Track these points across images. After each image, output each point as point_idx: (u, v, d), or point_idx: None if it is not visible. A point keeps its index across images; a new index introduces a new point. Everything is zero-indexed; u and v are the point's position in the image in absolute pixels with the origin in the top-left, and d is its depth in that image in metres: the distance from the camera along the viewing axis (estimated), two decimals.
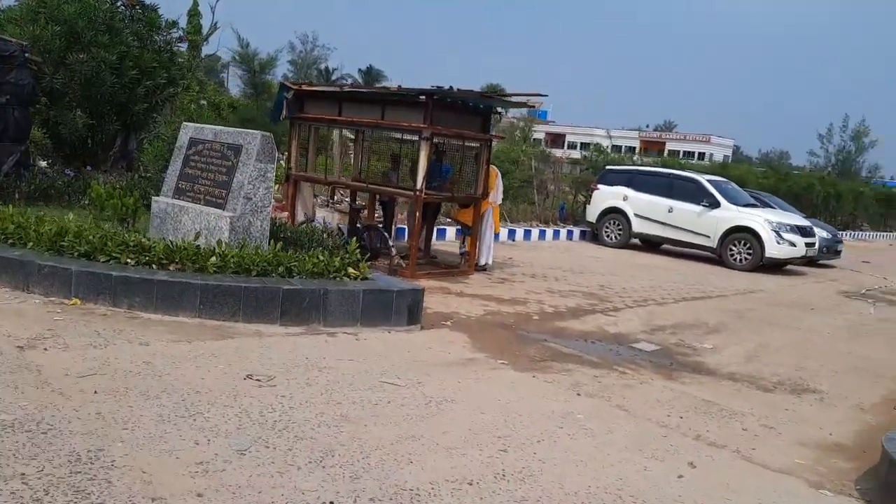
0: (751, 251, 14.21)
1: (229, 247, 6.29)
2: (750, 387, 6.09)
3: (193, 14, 28.62)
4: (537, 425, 4.47)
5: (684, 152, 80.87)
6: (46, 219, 6.55)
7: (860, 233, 32.94)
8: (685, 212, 15.05)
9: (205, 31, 27.18)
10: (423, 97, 9.09)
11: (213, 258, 6.09)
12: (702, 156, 78.46)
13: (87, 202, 8.68)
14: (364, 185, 10.13)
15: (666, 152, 75.55)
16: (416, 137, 9.61)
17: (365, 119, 9.84)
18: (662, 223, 15.38)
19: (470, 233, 10.73)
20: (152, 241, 6.23)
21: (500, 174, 10.80)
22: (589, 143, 61.41)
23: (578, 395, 5.26)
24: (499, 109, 10.20)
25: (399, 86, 9.22)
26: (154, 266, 6.04)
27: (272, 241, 6.59)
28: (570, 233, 17.09)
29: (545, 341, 6.82)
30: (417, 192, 9.21)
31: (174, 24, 12.22)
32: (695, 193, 15.12)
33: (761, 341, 7.92)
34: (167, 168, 9.63)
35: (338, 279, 6.42)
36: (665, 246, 16.03)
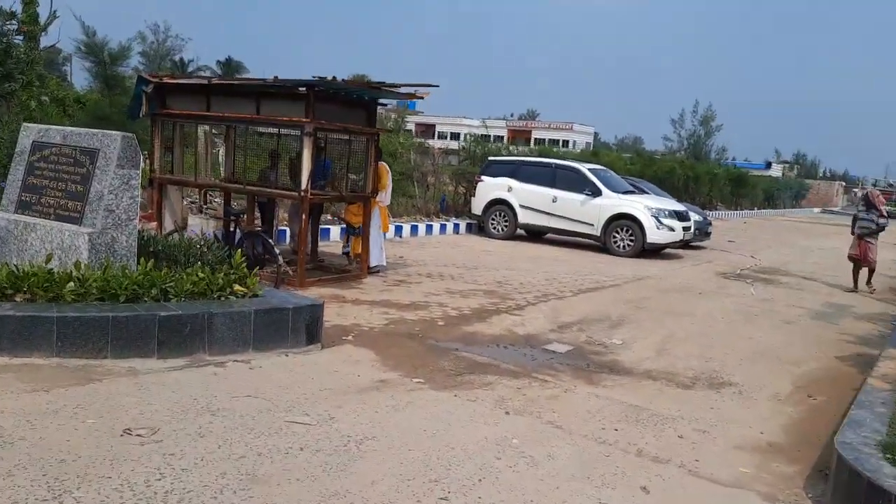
0: (633, 238, 14.44)
1: (90, 269, 5.34)
2: (670, 385, 5.90)
3: (29, 2, 25.86)
4: (473, 459, 3.97)
5: (549, 140, 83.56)
6: None
7: (716, 212, 35.02)
8: (569, 201, 15.09)
9: (42, 19, 24.60)
10: (304, 89, 8.34)
11: (71, 284, 5.14)
12: (566, 143, 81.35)
13: None
14: (240, 186, 9.23)
15: (532, 141, 77.57)
16: (295, 132, 8.88)
17: (238, 114, 8.95)
18: (547, 213, 15.35)
19: (357, 233, 10.11)
20: None
21: (389, 171, 10.20)
22: (459, 133, 61.87)
23: (507, 413, 4.82)
24: (383, 101, 9.59)
25: (276, 77, 8.40)
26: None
27: (141, 259, 5.68)
28: (456, 226, 16.77)
29: (457, 350, 6.35)
30: (303, 193, 8.46)
31: (12, 14, 10.67)
32: (577, 182, 15.19)
33: (665, 333, 7.84)
34: (4, 178, 8.34)
35: (223, 299, 5.63)
36: (549, 235, 16.05)
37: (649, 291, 10.45)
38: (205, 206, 9.35)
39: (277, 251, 7.98)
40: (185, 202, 10.20)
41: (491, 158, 17.47)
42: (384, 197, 10.04)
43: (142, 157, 5.83)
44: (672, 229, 14.56)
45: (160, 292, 5.40)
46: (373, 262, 9.97)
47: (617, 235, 14.63)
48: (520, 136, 79.81)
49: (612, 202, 14.74)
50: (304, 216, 8.62)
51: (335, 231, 12.91)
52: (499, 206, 16.03)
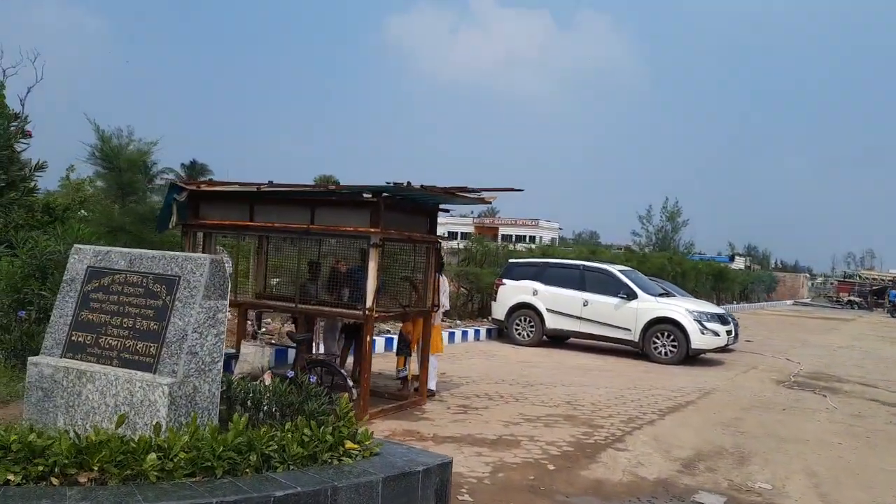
0: (675, 343, 13.54)
1: (173, 432, 4.13)
2: None
3: None
4: None
5: (517, 236, 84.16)
6: None
7: None
8: (601, 305, 14.22)
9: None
10: (370, 196, 7.41)
11: (153, 456, 3.92)
12: (532, 238, 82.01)
13: None
14: (291, 305, 8.09)
15: (500, 237, 77.73)
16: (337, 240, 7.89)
17: (289, 224, 7.93)
18: (578, 317, 14.43)
19: (409, 353, 8.99)
20: (44, 437, 3.93)
21: (446, 283, 9.21)
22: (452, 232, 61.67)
23: None
24: (445, 207, 8.71)
25: (338, 184, 7.49)
26: (55, 480, 3.75)
27: (234, 415, 4.49)
28: (476, 332, 15.69)
29: None
30: (367, 311, 7.38)
31: (16, 116, 9.64)
32: (609, 285, 14.38)
33: (801, 468, 6.79)
34: (22, 300, 7.07)
35: (335, 461, 4.43)
36: (573, 340, 15.09)
37: (733, 410, 9.42)
38: (258, 332, 8.14)
39: (351, 382, 6.80)
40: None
41: (512, 261, 16.65)
42: (438, 314, 9.00)
43: (230, 284, 4.73)
44: (717, 334, 13.72)
45: (261, 459, 4.20)
46: (431, 386, 8.83)
47: (657, 341, 13.72)
48: (487, 233, 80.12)
49: (649, 305, 13.91)
50: (367, 337, 7.50)
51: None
52: (524, 310, 15.08)
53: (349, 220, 7.65)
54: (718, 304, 37.25)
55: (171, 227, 8.60)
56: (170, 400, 4.28)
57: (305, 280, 9.37)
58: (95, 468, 3.83)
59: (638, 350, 13.96)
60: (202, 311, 4.46)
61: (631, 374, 12.01)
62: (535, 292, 14.98)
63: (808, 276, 79.40)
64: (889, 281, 59.69)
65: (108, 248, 4.89)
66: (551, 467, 6.24)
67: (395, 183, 7.07)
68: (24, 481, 3.71)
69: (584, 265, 15.38)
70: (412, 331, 8.81)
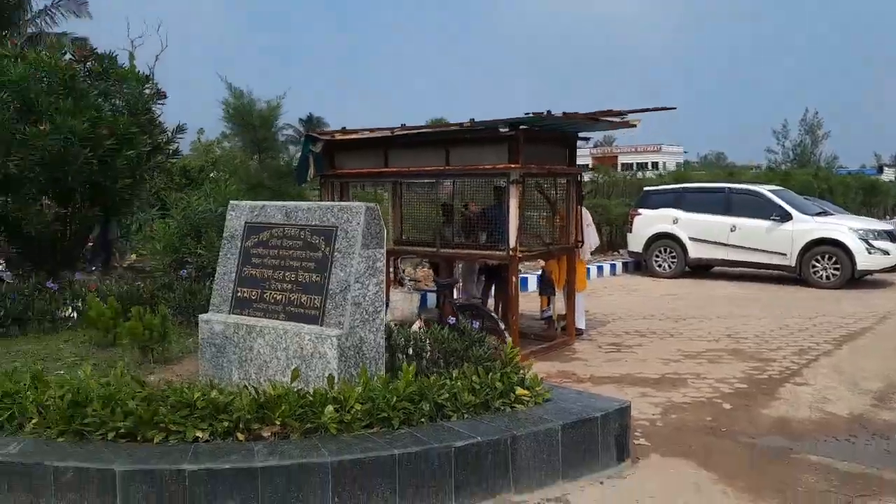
0: (838, 266, 12.44)
1: (346, 383, 4.06)
2: None
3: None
4: None
5: (637, 164, 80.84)
6: (51, 379, 4.22)
7: None
8: (751, 229, 13.25)
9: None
10: (508, 129, 7.05)
11: (330, 408, 3.86)
12: (654, 165, 78.43)
13: (83, 324, 6.33)
14: (432, 249, 7.95)
15: (619, 166, 75.17)
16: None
17: (424, 167, 7.73)
18: (724, 244, 13.55)
19: (553, 292, 8.68)
20: (226, 393, 3.96)
21: (589, 217, 8.77)
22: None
23: None
24: (585, 135, 8.21)
25: (472, 120, 7.16)
26: (240, 436, 3.77)
27: (403, 364, 4.39)
28: (612, 266, 15.14)
29: (792, 452, 4.75)
30: (511, 252, 7.12)
31: (147, 78, 9.92)
32: (759, 207, 13.36)
33: None
34: (181, 259, 7.35)
35: (507, 409, 4.24)
36: (717, 269, 14.23)
37: None
38: (406, 278, 8.11)
39: (502, 325, 6.60)
40: None
41: (647, 189, 15.85)
42: (584, 249, 8.58)
43: (386, 232, 4.58)
44: (886, 252, 12.47)
45: (434, 408, 4.07)
46: (579, 325, 8.52)
47: (817, 264, 12.66)
48: (606, 163, 77.56)
49: (806, 227, 12.82)
50: (513, 278, 7.26)
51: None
52: (663, 240, 14.33)
53: (486, 157, 7.34)
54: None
55: (308, 179, 8.65)
56: (339, 352, 4.21)
57: (440, 224, 9.20)
58: (278, 422, 3.81)
59: (794, 275, 12.97)
60: (362, 260, 4.33)
61: (790, 301, 11.16)
62: (675, 220, 14.18)
63: None
64: None
65: (264, 203, 4.85)
66: (727, 406, 5.81)
67: (533, 113, 6.66)
68: (211, 437, 3.75)
69: (729, 187, 14.36)
70: (554, 269, 8.48)
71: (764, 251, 13.14)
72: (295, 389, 3.99)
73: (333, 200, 8.43)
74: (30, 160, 8.09)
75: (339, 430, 3.83)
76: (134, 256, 11.77)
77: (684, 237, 14.05)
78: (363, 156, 8.28)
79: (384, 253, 4.55)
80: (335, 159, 8.50)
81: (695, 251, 13.94)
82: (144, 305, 5.79)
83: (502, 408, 4.21)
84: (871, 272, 12.61)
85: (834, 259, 12.50)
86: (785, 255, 12.94)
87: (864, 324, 9.23)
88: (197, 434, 3.75)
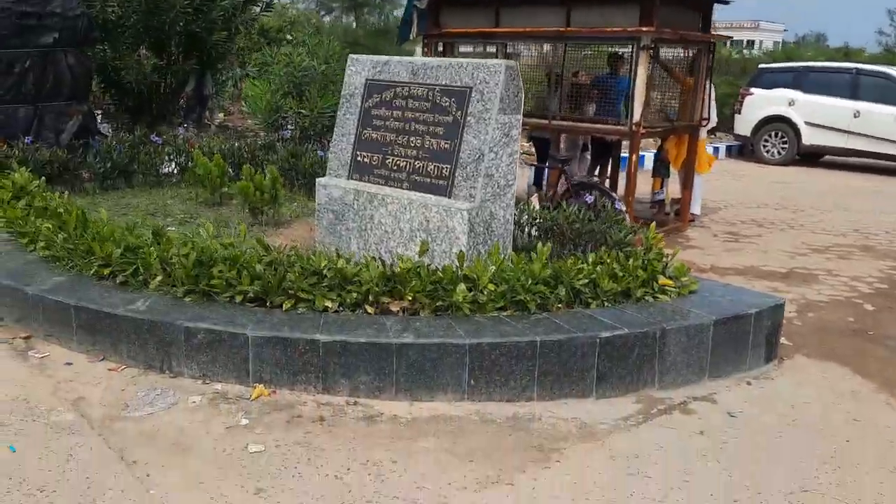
0: None
1: (478, 262, 3.77)
2: None
3: None
4: None
5: (733, 41, 75.34)
6: (174, 236, 4.05)
7: None
8: (880, 116, 12.07)
9: None
10: None
11: (462, 287, 3.59)
12: (751, 43, 73.04)
13: (188, 179, 6.19)
14: (545, 121, 7.41)
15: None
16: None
17: (541, 28, 7.06)
18: (845, 132, 12.44)
19: (667, 174, 8.11)
20: (353, 264, 3.73)
21: (713, 92, 7.99)
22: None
23: None
24: None
25: None
26: (369, 309, 3.57)
27: (538, 243, 4.06)
28: (716, 149, 14.20)
29: None
30: (634, 127, 6.54)
31: None
32: (891, 92, 12.10)
33: None
34: (280, 120, 7.07)
35: (648, 299, 3.90)
36: (829, 158, 13.18)
37: None
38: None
39: (623, 206, 6.15)
40: None
41: (762, 66, 14.56)
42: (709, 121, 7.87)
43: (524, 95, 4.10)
44: None
45: (570, 294, 3.75)
46: (694, 210, 7.99)
47: None
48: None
49: None
50: (633, 157, 6.73)
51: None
52: (775, 123, 13.27)
53: (613, 18, 6.62)
54: None
55: (411, 37, 8.09)
56: (469, 227, 3.89)
57: (545, 94, 8.56)
58: (409, 298, 3.57)
59: None
60: (497, 127, 3.92)
61: None
62: (791, 103, 13.04)
63: None
64: None
65: (387, 58, 4.41)
66: (869, 307, 5.33)
67: None
68: (340, 308, 3.55)
69: (857, 68, 13.02)
70: (671, 148, 7.84)
71: (891, 141, 12.02)
72: (426, 265, 3.73)
73: None
74: (127, 6, 7.78)
75: (472, 311, 3.57)
76: (222, 115, 11.61)
77: (800, 121, 12.95)
78: (471, 14, 7.63)
79: (520, 120, 4.11)
80: (440, 17, 7.87)
81: (810, 137, 12.89)
82: (256, 166, 5.56)
83: (645, 298, 3.87)
84: None
85: None
86: None
87: None
88: (326, 304, 3.56)
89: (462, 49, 8.24)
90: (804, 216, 8.61)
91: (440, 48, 8.02)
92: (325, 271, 3.62)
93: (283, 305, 3.56)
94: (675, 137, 7.75)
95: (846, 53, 25.20)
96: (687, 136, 7.59)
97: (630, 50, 6.79)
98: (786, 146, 13.20)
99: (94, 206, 5.69)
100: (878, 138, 12.13)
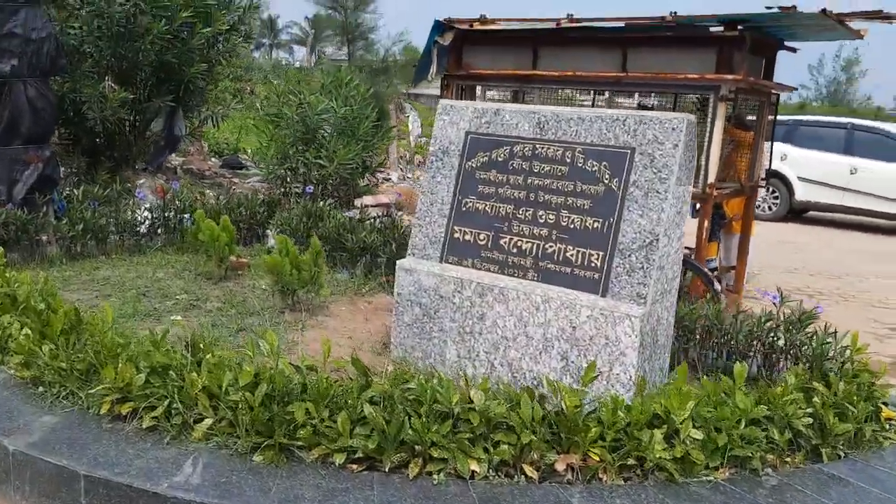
0: None
1: (673, 393, 2.68)
2: None
3: None
4: None
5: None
6: (224, 354, 2.81)
7: None
8: (878, 173, 11.76)
9: None
10: (720, 27, 5.47)
11: (657, 434, 2.50)
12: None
13: (180, 242, 4.92)
14: None
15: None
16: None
17: (595, 73, 6.14)
18: (841, 188, 12.07)
19: (719, 239, 7.28)
20: (489, 394, 2.59)
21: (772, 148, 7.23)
22: None
23: None
24: (793, 45, 6.59)
25: (674, 13, 5.56)
26: (530, 470, 2.43)
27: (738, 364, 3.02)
28: (692, 206, 13.64)
29: None
30: (707, 188, 5.66)
31: None
32: (887, 149, 11.82)
33: None
34: (287, 171, 5.81)
35: (879, 440, 2.90)
36: (814, 214, 12.82)
37: None
38: None
39: (718, 285, 5.21)
40: None
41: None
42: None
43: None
44: None
45: (791, 439, 2.71)
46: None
47: None
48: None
49: None
50: (705, 223, 5.84)
51: None
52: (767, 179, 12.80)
53: (682, 63, 5.76)
54: None
55: (430, 78, 7.07)
56: (640, 338, 2.81)
57: None
58: (578, 454, 2.46)
59: None
60: (674, 202, 2.88)
61: None
62: (783, 157, 12.63)
63: None
64: None
65: (498, 106, 3.34)
66: None
67: (779, 8, 5.06)
68: (488, 472, 2.41)
69: (852, 123, 12.76)
70: (730, 212, 7.03)
71: (891, 199, 11.68)
72: (598, 398, 2.63)
73: None
74: (92, 30, 6.49)
75: (680, 473, 2.48)
76: (182, 157, 10.26)
77: (792, 176, 12.55)
78: (503, 53, 6.66)
79: (690, 190, 3.10)
80: (464, 55, 6.88)
81: (803, 193, 12.48)
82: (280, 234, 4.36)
83: (877, 439, 2.87)
84: None
85: None
86: None
87: None
88: (472, 466, 2.40)
89: (488, 94, 7.26)
90: (846, 284, 7.94)
91: (461, 93, 7.03)
92: (467, 416, 2.47)
93: (410, 469, 2.38)
94: (735, 199, 6.94)
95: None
96: (745, 198, 6.79)
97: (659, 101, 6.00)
98: (777, 201, 12.78)
99: (64, 282, 4.34)
100: (878, 196, 11.79)
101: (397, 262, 3.45)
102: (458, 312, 3.26)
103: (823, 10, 5.11)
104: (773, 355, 3.41)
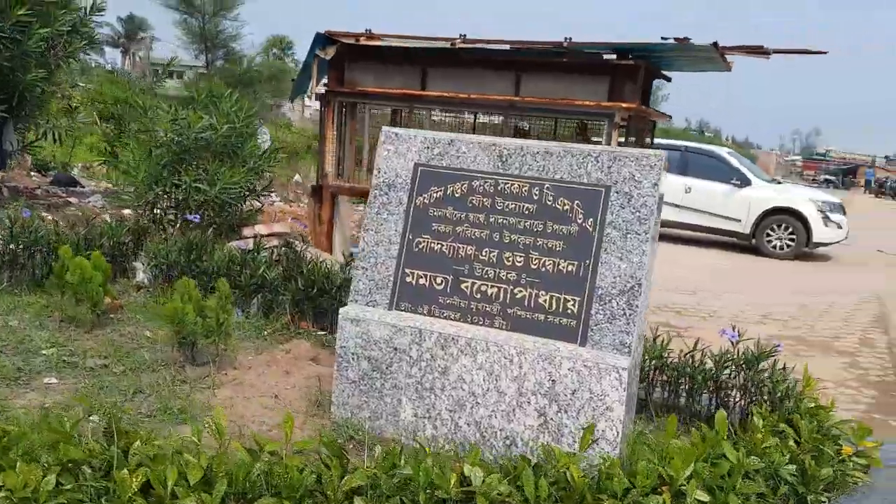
0: (793, 236, 12.25)
1: (633, 439, 2.51)
2: None
3: None
4: None
5: None
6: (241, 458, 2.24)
7: None
8: (707, 193, 12.73)
9: None
10: (613, 55, 5.56)
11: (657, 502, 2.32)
12: None
13: (51, 284, 4.12)
14: None
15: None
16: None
17: (487, 96, 6.01)
18: (677, 206, 12.94)
19: None
20: (485, 467, 2.27)
21: None
22: None
23: None
24: (667, 74, 6.82)
25: (568, 39, 5.56)
26: None
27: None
28: None
29: None
30: None
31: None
32: (717, 170, 12.84)
33: None
34: (157, 196, 5.01)
35: (843, 479, 2.92)
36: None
37: None
38: None
39: None
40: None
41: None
42: None
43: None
44: (840, 226, 12.45)
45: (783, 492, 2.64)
46: None
47: (772, 233, 12.41)
48: None
49: (765, 194, 12.50)
50: None
51: None
52: None
53: (576, 89, 5.79)
54: None
55: (309, 94, 6.60)
56: (627, 391, 2.63)
57: None
58: None
59: (747, 243, 12.68)
60: (653, 244, 2.75)
61: (762, 271, 10.73)
62: None
63: (778, 153, 79.16)
64: (862, 161, 60.22)
65: (452, 136, 3.04)
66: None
67: (674, 39, 5.19)
68: None
69: (686, 146, 13.75)
70: None
71: (718, 216, 12.69)
72: (575, 456, 2.39)
73: (332, 125, 6.49)
74: None
75: None
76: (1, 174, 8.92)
77: None
78: (390, 71, 6.37)
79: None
80: (346, 72, 6.50)
81: None
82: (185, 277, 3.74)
83: (844, 478, 2.88)
84: (824, 244, 12.58)
85: (789, 229, 12.30)
86: (739, 221, 12.58)
87: (851, 298, 8.87)
88: None
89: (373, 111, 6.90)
90: (703, 300, 8.40)
91: (348, 108, 6.63)
92: (456, 493, 2.13)
93: None
94: None
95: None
96: None
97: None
98: None
99: None
100: (707, 213, 12.74)
101: (340, 310, 3.03)
102: (416, 367, 2.90)
103: (714, 44, 5.33)
104: (725, 392, 3.37)
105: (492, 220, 2.92)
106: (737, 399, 3.35)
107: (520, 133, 7.32)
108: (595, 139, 7.36)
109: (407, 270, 3.01)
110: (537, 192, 2.88)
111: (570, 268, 2.80)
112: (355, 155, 6.88)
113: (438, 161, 3.03)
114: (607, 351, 2.70)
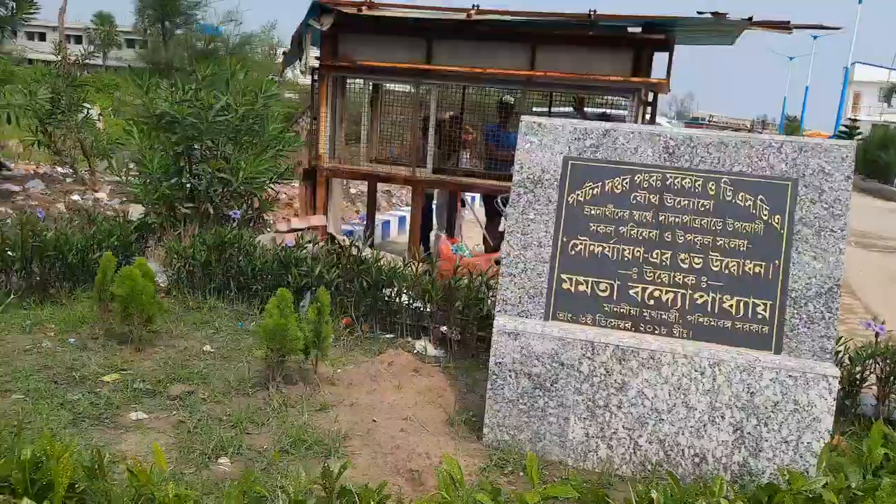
0: None
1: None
2: None
3: None
4: None
5: None
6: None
7: None
8: None
9: None
10: (638, 28, 5.36)
11: None
12: None
13: (95, 298, 3.53)
14: (443, 178, 6.02)
15: None
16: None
17: (501, 70, 5.68)
18: None
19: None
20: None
21: None
22: None
23: None
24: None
25: (593, 11, 5.30)
26: None
27: None
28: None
29: None
30: None
31: None
32: None
33: None
34: (175, 189, 4.32)
35: None
36: None
37: None
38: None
39: None
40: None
41: None
42: None
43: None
44: None
45: None
46: None
47: None
48: None
49: None
50: None
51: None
52: None
53: (594, 64, 5.55)
54: None
55: (302, 68, 6.02)
56: (833, 402, 2.47)
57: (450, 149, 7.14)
58: None
59: None
60: (843, 237, 2.58)
61: None
62: None
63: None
64: (744, 126, 63.53)
65: (607, 126, 2.73)
66: None
67: (713, 13, 5.03)
68: None
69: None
70: None
71: None
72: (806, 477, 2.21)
73: (326, 102, 5.98)
74: None
75: None
76: None
77: None
78: (391, 44, 5.90)
79: None
80: (340, 44, 5.98)
81: None
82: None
83: None
84: None
85: None
86: None
87: None
88: None
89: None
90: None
91: (341, 83, 6.10)
92: None
93: None
94: None
95: None
96: None
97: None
98: None
99: None
100: None
101: (495, 322, 2.68)
102: (587, 383, 2.61)
103: (749, 18, 5.21)
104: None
105: (661, 218, 2.65)
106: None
107: (505, 107, 7.04)
108: (588, 110, 7.20)
109: (563, 276, 2.69)
110: (713, 187, 2.63)
111: (756, 269, 2.58)
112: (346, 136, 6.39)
113: (592, 154, 2.72)
114: (807, 358, 2.51)
